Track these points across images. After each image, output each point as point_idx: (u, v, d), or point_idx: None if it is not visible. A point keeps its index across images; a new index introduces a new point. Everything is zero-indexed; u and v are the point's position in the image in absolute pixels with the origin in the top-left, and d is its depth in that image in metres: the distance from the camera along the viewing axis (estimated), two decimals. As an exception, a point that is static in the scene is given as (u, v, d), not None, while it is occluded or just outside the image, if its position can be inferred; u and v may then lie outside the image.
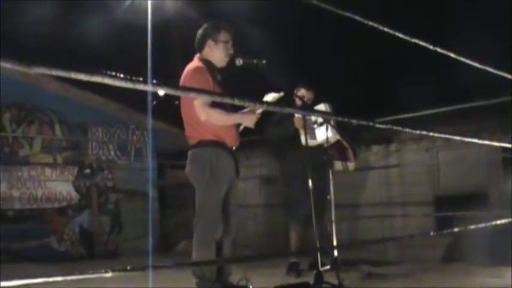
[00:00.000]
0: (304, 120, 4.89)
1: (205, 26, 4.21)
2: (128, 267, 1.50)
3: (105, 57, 8.20)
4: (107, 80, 1.30)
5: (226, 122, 4.05)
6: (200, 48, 4.17)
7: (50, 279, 1.32)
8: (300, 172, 4.98)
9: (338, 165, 5.57)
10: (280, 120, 5.62)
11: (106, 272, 1.40)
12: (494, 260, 5.15)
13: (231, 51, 4.15)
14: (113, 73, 1.31)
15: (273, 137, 5.81)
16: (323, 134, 5.30)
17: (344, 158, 5.64)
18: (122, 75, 1.32)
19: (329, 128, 5.17)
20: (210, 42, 4.12)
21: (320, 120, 5.31)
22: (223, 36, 4.14)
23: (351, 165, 5.67)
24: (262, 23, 8.20)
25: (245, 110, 4.12)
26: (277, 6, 8.21)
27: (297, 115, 5.33)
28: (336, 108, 5.41)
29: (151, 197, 9.61)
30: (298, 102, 5.30)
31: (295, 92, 5.36)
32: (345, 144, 5.56)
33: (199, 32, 4.20)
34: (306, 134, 4.80)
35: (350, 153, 5.66)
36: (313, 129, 5.36)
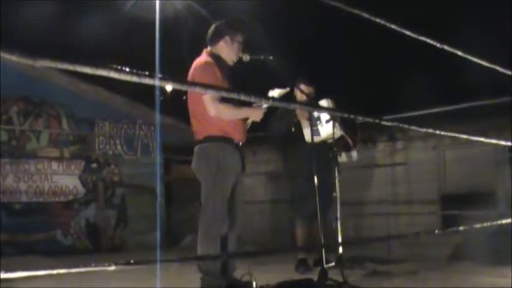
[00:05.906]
0: (310, 115, 4.89)
1: (223, 21, 4.23)
2: (132, 261, 1.50)
3: (117, 53, 8.19)
4: (113, 74, 1.29)
5: (235, 117, 4.06)
6: (213, 43, 4.18)
7: (54, 272, 1.32)
8: (305, 168, 4.97)
9: (343, 157, 5.53)
10: (282, 115, 5.59)
11: (110, 265, 1.40)
12: (497, 259, 5.13)
13: (241, 54, 4.17)
14: (118, 67, 1.30)
15: (275, 131, 5.77)
16: (326, 130, 5.27)
17: (347, 149, 5.60)
18: (127, 69, 1.30)
19: (335, 124, 5.16)
20: (227, 39, 4.14)
21: (324, 116, 5.29)
22: (240, 37, 4.19)
23: (354, 154, 5.62)
24: (270, 19, 8.18)
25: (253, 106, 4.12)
26: (284, 2, 8.19)
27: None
28: (342, 105, 5.38)
29: (159, 191, 9.64)
30: (300, 96, 5.28)
31: (295, 87, 5.33)
32: (349, 140, 5.53)
33: (216, 26, 4.21)
34: (312, 130, 4.79)
35: (351, 142, 5.60)
36: (317, 125, 5.34)
